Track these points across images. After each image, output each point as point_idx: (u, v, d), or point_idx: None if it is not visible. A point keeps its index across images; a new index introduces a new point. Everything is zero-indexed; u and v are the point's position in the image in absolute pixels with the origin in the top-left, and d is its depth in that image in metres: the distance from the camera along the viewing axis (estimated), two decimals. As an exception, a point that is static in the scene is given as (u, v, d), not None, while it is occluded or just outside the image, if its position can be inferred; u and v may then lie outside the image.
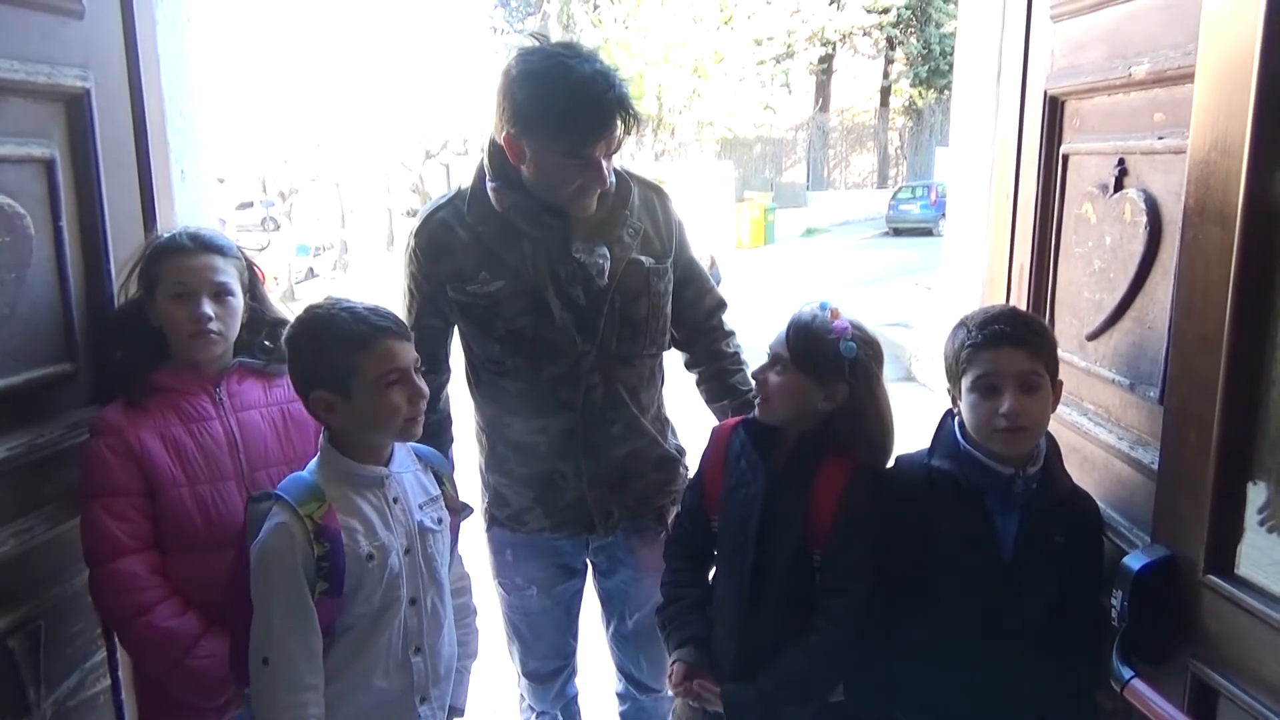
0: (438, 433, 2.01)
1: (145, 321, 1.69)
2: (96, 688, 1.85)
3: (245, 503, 1.55)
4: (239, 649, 1.50)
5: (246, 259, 1.78)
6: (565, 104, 1.62)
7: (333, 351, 1.47)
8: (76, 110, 1.74)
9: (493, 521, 2.02)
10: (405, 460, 1.62)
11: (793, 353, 1.61)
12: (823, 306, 1.63)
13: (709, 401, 2.12)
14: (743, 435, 1.73)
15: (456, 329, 1.93)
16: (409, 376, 1.51)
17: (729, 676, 1.70)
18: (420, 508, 1.60)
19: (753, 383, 1.73)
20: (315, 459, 1.54)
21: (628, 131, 1.71)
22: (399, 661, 1.56)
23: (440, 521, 1.64)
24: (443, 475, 1.69)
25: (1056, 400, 1.55)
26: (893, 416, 1.66)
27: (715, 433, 1.82)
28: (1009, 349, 1.49)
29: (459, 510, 1.71)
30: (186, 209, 2.05)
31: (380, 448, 1.56)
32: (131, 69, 1.88)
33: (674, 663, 1.77)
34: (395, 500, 1.56)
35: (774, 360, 1.65)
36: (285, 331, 1.57)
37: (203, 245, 1.70)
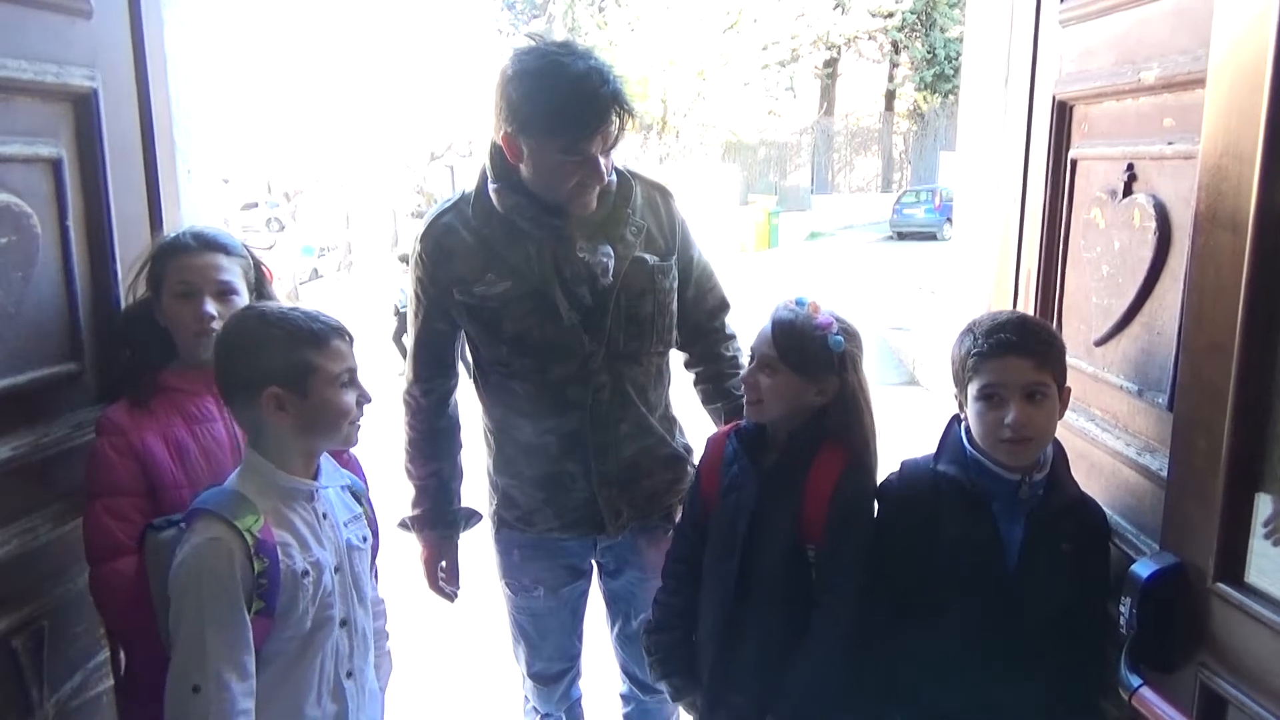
0: (447, 437, 2.02)
1: (153, 322, 1.69)
2: (99, 688, 1.85)
3: (140, 535, 1.50)
4: (139, 679, 1.43)
5: (253, 258, 1.78)
6: (559, 101, 1.63)
7: (291, 347, 1.44)
8: (84, 110, 1.74)
9: (501, 523, 2.02)
10: (331, 474, 1.58)
11: (781, 352, 1.62)
12: (800, 302, 1.65)
13: (704, 403, 2.12)
14: (734, 442, 1.73)
15: (464, 333, 1.92)
16: (357, 378, 1.51)
17: (709, 678, 1.72)
18: (345, 525, 1.57)
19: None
20: (236, 472, 1.49)
21: (623, 127, 1.70)
22: (332, 687, 1.52)
23: (364, 540, 1.61)
24: (360, 496, 1.66)
25: (1064, 407, 1.54)
26: (873, 406, 1.69)
27: (711, 440, 1.83)
28: (1015, 359, 1.48)
29: (377, 531, 1.68)
30: (192, 209, 2.05)
31: (313, 455, 1.52)
32: (139, 69, 1.88)
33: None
34: (324, 516, 1.52)
35: (762, 362, 1.65)
36: (220, 332, 1.52)
37: (206, 244, 1.70)
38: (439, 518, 2.04)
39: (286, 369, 1.43)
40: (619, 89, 1.66)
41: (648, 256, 1.86)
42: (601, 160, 1.70)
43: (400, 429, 2.01)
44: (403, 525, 2.06)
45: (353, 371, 1.50)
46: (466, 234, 1.81)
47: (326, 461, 1.57)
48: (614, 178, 1.81)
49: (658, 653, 1.82)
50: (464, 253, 1.81)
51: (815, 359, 1.61)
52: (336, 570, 1.51)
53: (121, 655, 1.73)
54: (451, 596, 2.13)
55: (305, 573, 1.44)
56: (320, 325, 1.47)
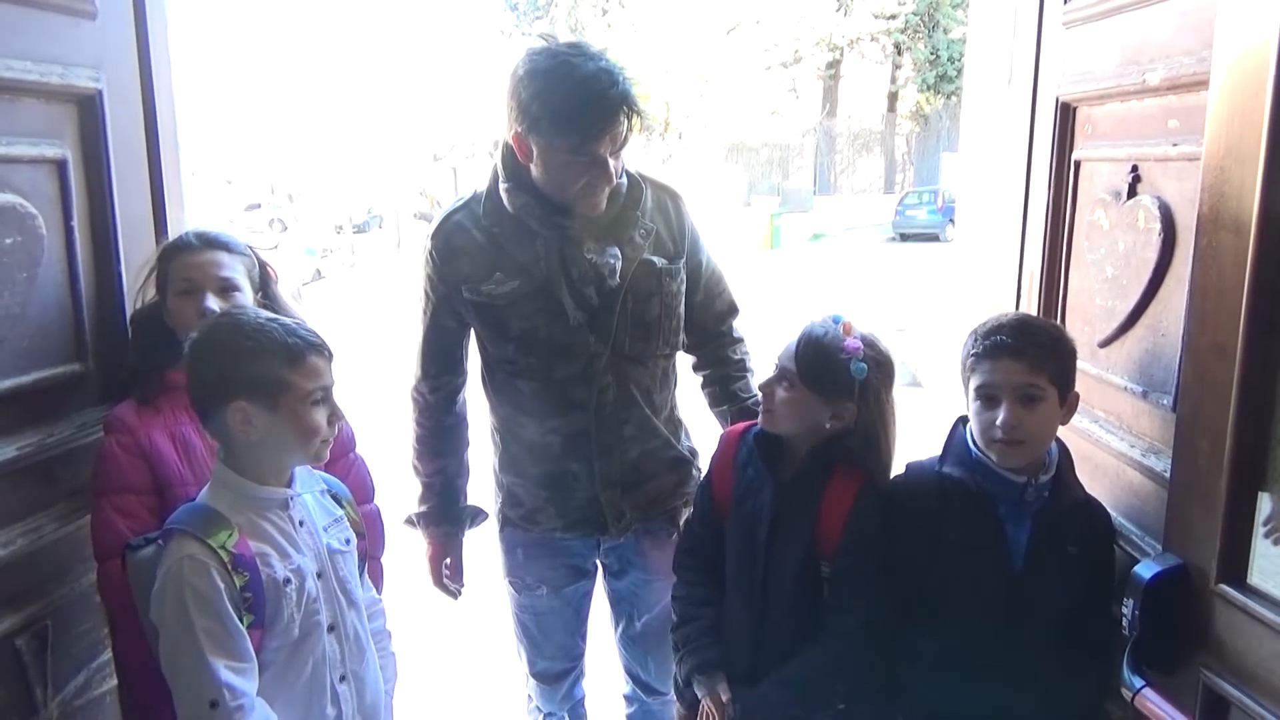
0: (454, 435, 2.03)
1: (160, 324, 1.70)
2: (103, 687, 1.86)
3: (120, 556, 1.48)
4: (139, 697, 1.44)
5: (258, 258, 1.79)
6: (568, 102, 1.63)
7: (264, 361, 1.40)
8: (89, 111, 1.75)
9: (505, 522, 2.03)
10: (307, 480, 1.56)
11: (801, 369, 1.60)
12: (835, 320, 1.62)
13: (711, 406, 2.12)
14: (750, 444, 1.72)
15: (473, 332, 1.93)
16: (331, 396, 1.48)
17: (740, 683, 1.70)
18: (325, 530, 1.55)
19: (755, 391, 1.71)
20: (207, 486, 1.48)
21: (632, 128, 1.70)
22: (322, 690, 1.51)
23: (348, 542, 1.59)
24: (342, 499, 1.64)
25: (1070, 413, 1.54)
26: (897, 434, 1.66)
27: (724, 438, 1.82)
28: (1008, 360, 1.48)
29: (363, 534, 1.67)
30: (196, 210, 2.06)
31: (284, 468, 1.50)
32: (143, 70, 1.89)
33: (700, 698, 1.73)
34: (301, 523, 1.50)
35: (781, 374, 1.63)
36: (194, 335, 1.46)
37: (207, 242, 1.71)
38: (444, 515, 2.04)
39: (256, 383, 1.40)
40: (628, 90, 1.66)
41: (656, 259, 1.86)
42: (610, 161, 1.70)
43: (407, 425, 2.02)
44: (409, 522, 2.06)
45: (327, 389, 1.46)
46: (477, 233, 1.82)
47: (301, 468, 1.54)
48: (624, 180, 1.81)
49: (682, 647, 1.77)
50: (474, 251, 1.82)
51: (834, 382, 1.59)
52: (319, 576, 1.50)
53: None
54: (455, 594, 2.13)
55: (287, 580, 1.43)
56: (297, 340, 1.43)
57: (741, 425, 1.80)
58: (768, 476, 1.68)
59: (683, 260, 1.92)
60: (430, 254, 1.86)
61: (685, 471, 2.01)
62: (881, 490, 1.64)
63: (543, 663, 2.15)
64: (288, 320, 1.49)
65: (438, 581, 2.11)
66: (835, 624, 1.61)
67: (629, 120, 1.68)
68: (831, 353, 1.58)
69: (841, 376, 1.58)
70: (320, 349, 1.46)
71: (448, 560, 2.10)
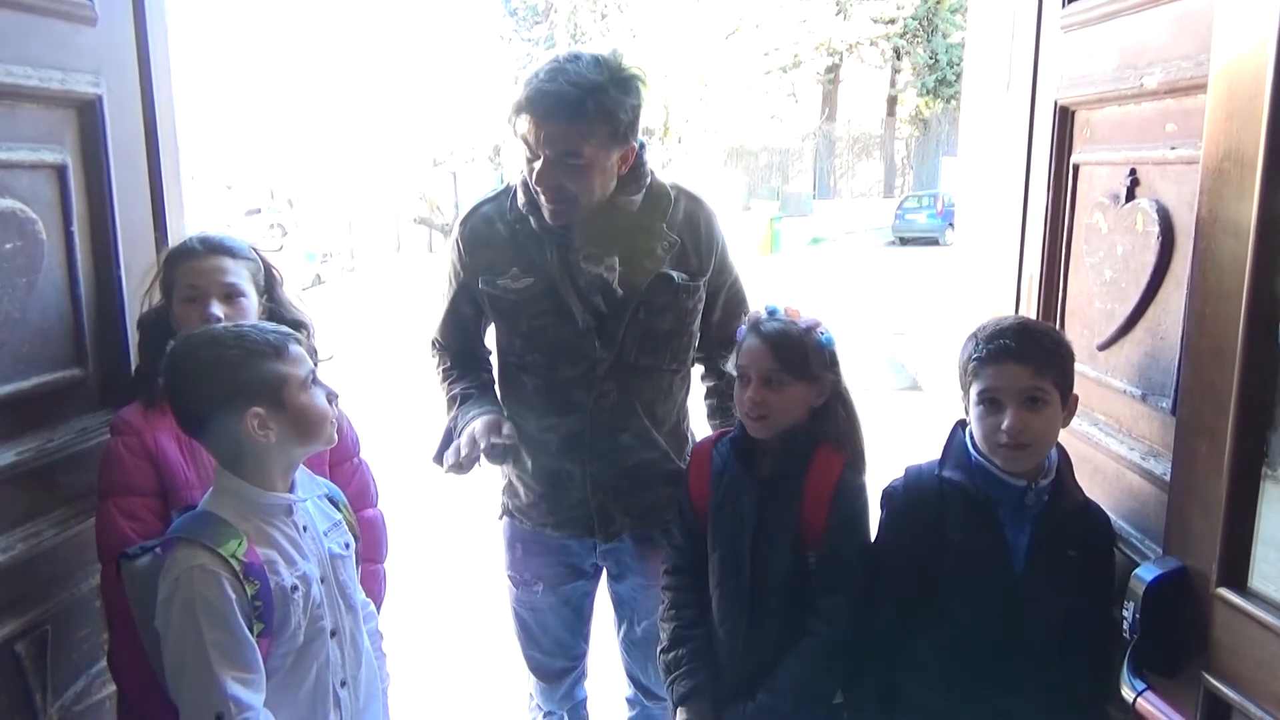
0: (478, 366, 2.06)
1: (167, 328, 1.70)
2: (103, 693, 1.86)
3: (116, 564, 1.47)
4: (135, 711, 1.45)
5: (263, 260, 1.79)
6: (522, 88, 1.68)
7: (257, 363, 1.41)
8: (89, 116, 1.75)
9: (505, 510, 2.05)
10: (308, 485, 1.57)
11: (783, 364, 1.63)
12: (772, 311, 1.68)
13: (707, 416, 2.12)
14: (725, 451, 1.73)
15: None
16: (319, 377, 1.51)
17: (731, 693, 1.70)
18: (326, 534, 1.55)
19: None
20: (208, 495, 1.47)
21: (583, 140, 1.66)
22: (325, 696, 1.51)
23: (347, 546, 1.59)
24: (339, 503, 1.65)
25: (1070, 415, 1.54)
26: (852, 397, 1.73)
27: (695, 452, 1.83)
28: (1012, 365, 1.48)
29: (359, 536, 1.67)
30: (196, 214, 2.07)
31: (294, 466, 1.50)
32: (143, 75, 1.90)
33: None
34: (304, 528, 1.51)
35: (763, 378, 1.63)
36: (170, 362, 1.44)
37: (212, 248, 1.71)
38: (491, 403, 1.93)
39: (260, 385, 1.40)
40: (568, 93, 1.63)
41: (675, 274, 1.84)
42: (549, 166, 1.69)
43: (431, 371, 2.05)
44: (446, 434, 1.90)
45: (314, 371, 1.50)
46: (501, 226, 1.86)
47: (302, 473, 1.55)
48: (638, 197, 1.81)
49: (672, 670, 1.75)
50: (496, 244, 1.85)
51: (816, 362, 1.64)
52: (322, 581, 1.50)
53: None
54: (511, 440, 1.81)
55: (294, 587, 1.43)
56: (275, 335, 1.45)
57: (712, 436, 1.82)
58: (746, 479, 1.68)
59: (705, 277, 1.90)
60: (457, 241, 1.91)
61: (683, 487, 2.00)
62: (862, 464, 1.68)
63: (539, 657, 2.17)
64: (250, 324, 1.52)
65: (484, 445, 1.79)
66: (821, 609, 1.62)
67: (575, 128, 1.65)
68: (801, 338, 1.64)
69: (817, 354, 1.64)
70: (294, 337, 1.49)
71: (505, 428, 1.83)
